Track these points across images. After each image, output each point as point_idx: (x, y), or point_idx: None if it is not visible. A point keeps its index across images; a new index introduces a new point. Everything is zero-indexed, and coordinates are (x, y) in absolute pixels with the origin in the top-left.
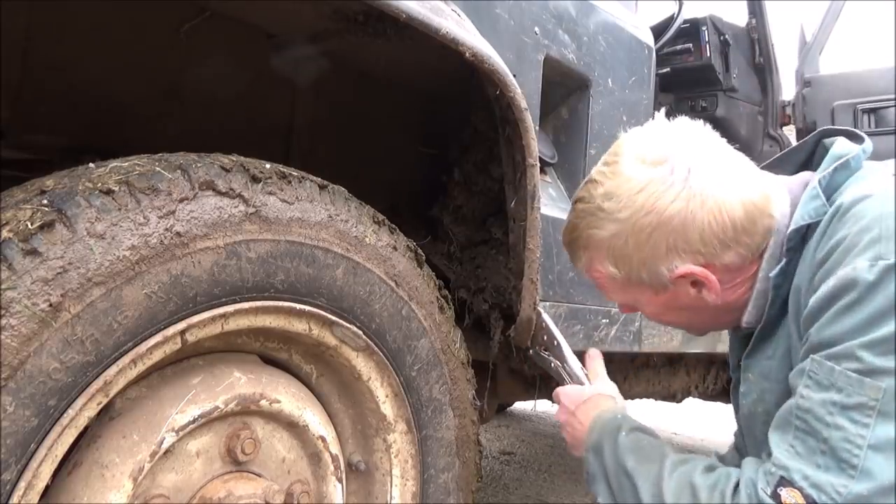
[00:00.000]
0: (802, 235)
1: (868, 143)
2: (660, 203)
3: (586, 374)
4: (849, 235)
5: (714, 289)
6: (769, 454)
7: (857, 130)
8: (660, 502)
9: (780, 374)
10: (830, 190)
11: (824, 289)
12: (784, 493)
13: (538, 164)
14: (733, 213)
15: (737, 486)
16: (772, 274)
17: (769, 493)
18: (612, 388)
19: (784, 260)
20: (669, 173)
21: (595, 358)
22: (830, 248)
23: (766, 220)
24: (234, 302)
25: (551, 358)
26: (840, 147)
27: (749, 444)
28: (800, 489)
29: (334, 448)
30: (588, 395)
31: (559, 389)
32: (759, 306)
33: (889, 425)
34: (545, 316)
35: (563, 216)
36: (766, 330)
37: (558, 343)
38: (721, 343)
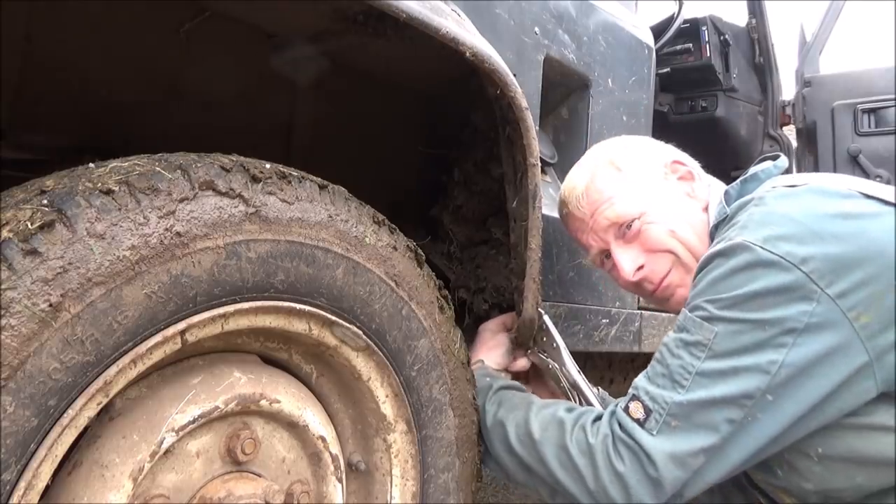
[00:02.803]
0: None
1: (781, 161)
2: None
3: (585, 380)
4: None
5: (701, 179)
6: None
7: (780, 154)
8: (527, 441)
9: None
10: (741, 195)
11: (698, 266)
12: (632, 405)
13: (539, 164)
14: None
15: (597, 417)
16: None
17: (623, 407)
18: (484, 346)
19: None
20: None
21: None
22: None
23: (705, 181)
24: (234, 302)
25: (549, 360)
26: (759, 166)
27: None
28: (641, 402)
29: (334, 448)
30: (480, 345)
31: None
32: None
33: (714, 361)
34: (546, 318)
35: None
36: None
37: (557, 346)
38: None
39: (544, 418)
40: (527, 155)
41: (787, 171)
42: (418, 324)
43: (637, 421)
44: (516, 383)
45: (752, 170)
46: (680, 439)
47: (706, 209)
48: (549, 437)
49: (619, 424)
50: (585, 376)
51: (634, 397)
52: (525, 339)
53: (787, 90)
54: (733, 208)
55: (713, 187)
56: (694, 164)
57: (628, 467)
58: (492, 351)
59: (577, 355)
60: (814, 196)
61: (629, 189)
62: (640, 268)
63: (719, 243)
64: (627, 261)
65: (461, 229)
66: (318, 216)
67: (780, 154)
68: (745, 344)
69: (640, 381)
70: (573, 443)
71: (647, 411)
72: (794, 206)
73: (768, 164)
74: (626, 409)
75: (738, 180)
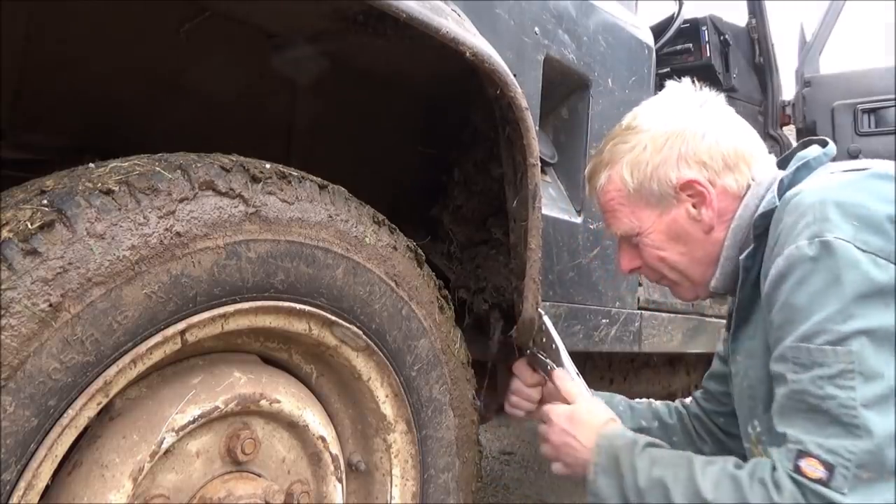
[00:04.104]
0: (766, 224)
1: (830, 147)
2: (677, 117)
3: (583, 381)
4: (790, 222)
5: (711, 206)
6: (775, 437)
7: (826, 139)
8: (697, 501)
9: (761, 350)
10: (791, 185)
11: (774, 270)
12: (803, 463)
13: (539, 164)
14: (737, 142)
15: (773, 468)
16: (742, 256)
17: (791, 467)
18: (600, 404)
19: (752, 245)
20: (688, 102)
21: (565, 379)
22: (777, 234)
23: (754, 168)
24: (234, 302)
25: (548, 360)
26: (807, 151)
27: (739, 418)
28: (816, 457)
29: (334, 448)
30: (583, 413)
31: (550, 407)
32: (726, 274)
33: (870, 384)
34: (546, 318)
35: (563, 216)
36: (743, 312)
37: (556, 347)
38: (721, 343)
39: (714, 475)
40: (527, 155)
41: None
42: (418, 324)
43: (819, 481)
44: (657, 440)
45: (801, 155)
46: (878, 493)
47: (711, 230)
48: (723, 495)
49: (798, 484)
50: (585, 378)
51: (802, 453)
52: (525, 339)
53: (787, 90)
54: (784, 199)
55: (759, 177)
56: (719, 172)
57: None
58: (586, 396)
59: (577, 355)
60: (882, 182)
61: (632, 208)
62: (636, 268)
63: (796, 240)
64: (625, 259)
65: (461, 229)
66: (318, 216)
67: (828, 140)
68: (890, 349)
69: (802, 434)
70: (755, 499)
71: (829, 467)
72: (866, 196)
73: (816, 150)
74: (798, 471)
75: (791, 169)
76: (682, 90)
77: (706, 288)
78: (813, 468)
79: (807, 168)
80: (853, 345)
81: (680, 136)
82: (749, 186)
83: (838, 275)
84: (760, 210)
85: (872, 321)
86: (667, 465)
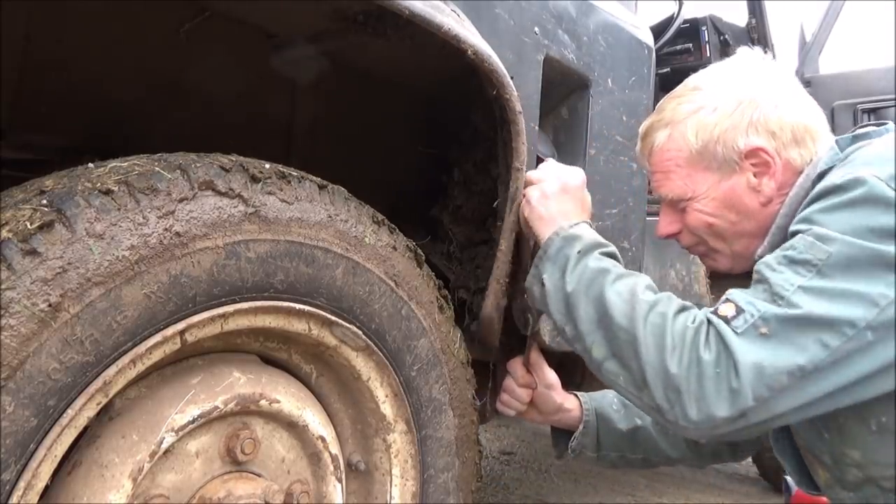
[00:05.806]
0: None
1: (891, 125)
2: (751, 84)
3: None
4: (839, 172)
5: (774, 177)
6: None
7: (887, 122)
8: (629, 296)
9: None
10: (850, 146)
11: (806, 201)
12: (722, 307)
13: (524, 169)
14: (807, 117)
15: (679, 310)
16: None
17: (712, 310)
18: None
19: None
20: (762, 71)
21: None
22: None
23: (818, 145)
24: (234, 302)
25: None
26: (863, 129)
27: None
28: (734, 303)
29: (334, 448)
30: (573, 197)
31: (540, 179)
32: (774, 245)
33: (821, 280)
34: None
35: None
36: None
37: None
38: None
39: (654, 288)
40: (512, 159)
41: None
42: (418, 324)
43: (724, 318)
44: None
45: (860, 131)
46: (768, 351)
47: (768, 203)
48: (652, 301)
49: (707, 318)
50: (585, 378)
51: (727, 300)
52: (487, 339)
53: None
54: (846, 153)
55: (821, 153)
56: (786, 144)
57: (712, 359)
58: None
59: (575, 356)
60: None
61: (689, 170)
62: (675, 233)
63: (834, 177)
64: (665, 223)
65: (461, 229)
66: (317, 216)
67: (888, 122)
68: (861, 270)
69: (736, 291)
70: (679, 323)
71: (739, 310)
72: None
73: (873, 127)
74: (716, 311)
75: (850, 135)
76: (754, 58)
77: (747, 260)
78: (727, 308)
79: (866, 137)
80: (833, 247)
81: (752, 102)
82: (811, 162)
83: (853, 202)
84: (820, 168)
85: (866, 244)
86: (618, 262)
